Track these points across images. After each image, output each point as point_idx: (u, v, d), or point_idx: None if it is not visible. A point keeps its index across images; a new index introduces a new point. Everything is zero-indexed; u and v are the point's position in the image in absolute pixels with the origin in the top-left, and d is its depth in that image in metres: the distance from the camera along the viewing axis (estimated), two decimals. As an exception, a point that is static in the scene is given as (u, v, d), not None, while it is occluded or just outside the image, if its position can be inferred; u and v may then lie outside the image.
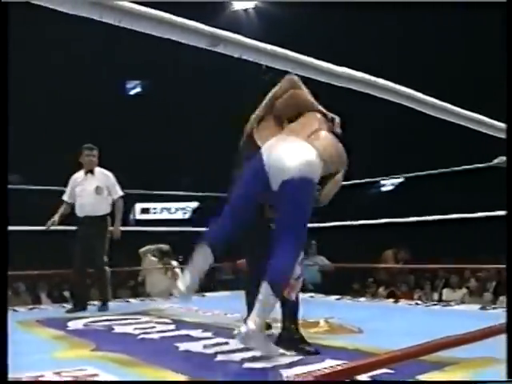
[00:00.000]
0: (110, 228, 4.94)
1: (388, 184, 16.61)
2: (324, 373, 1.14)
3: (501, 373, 2.28)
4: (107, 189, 4.93)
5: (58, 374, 2.32)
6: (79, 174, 5.01)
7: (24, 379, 2.21)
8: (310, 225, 2.87)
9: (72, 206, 4.95)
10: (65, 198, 5.00)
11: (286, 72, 2.72)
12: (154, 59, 13.82)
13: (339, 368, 1.20)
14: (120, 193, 5.02)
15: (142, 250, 7.15)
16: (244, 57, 1.11)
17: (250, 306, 2.71)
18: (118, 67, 14.46)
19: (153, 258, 7.07)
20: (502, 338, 2.05)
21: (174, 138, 15.21)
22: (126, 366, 2.54)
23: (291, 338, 2.86)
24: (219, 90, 14.31)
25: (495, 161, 4.47)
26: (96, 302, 4.98)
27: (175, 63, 13.77)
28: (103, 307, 4.77)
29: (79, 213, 4.89)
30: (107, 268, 4.92)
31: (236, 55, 1.10)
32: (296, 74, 2.81)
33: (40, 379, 2.24)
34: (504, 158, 4.40)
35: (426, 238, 11.06)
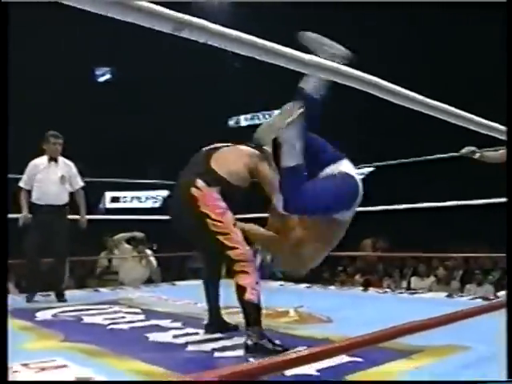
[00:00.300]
0: (72, 217, 4.90)
1: (358, 173, 16.74)
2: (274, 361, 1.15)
3: (465, 359, 2.34)
4: (69, 179, 4.87)
5: (25, 365, 2.30)
6: (41, 161, 4.87)
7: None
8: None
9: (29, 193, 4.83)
10: (22, 184, 4.82)
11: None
12: (125, 46, 13.68)
13: (301, 354, 1.20)
14: (81, 183, 4.97)
15: (117, 237, 7.11)
16: (209, 42, 1.09)
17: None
18: (87, 54, 14.27)
19: (127, 246, 7.04)
20: (467, 325, 2.09)
21: (145, 126, 15.10)
22: (95, 356, 2.52)
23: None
24: (190, 76, 14.22)
25: (462, 151, 4.54)
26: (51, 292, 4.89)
27: (145, 50, 13.63)
28: (61, 297, 4.70)
29: (39, 201, 4.75)
30: (67, 258, 4.92)
31: (201, 41, 1.08)
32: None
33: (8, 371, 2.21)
34: (472, 148, 4.47)
35: (394, 226, 11.19)
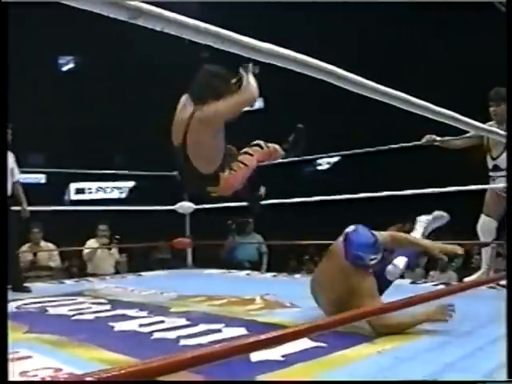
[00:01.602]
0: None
1: (324, 163, 16.86)
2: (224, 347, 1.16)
3: (427, 343, 2.39)
4: (12, 170, 4.80)
5: (-13, 357, 2.26)
6: None
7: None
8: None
9: None
10: None
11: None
12: (88, 34, 13.48)
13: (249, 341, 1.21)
14: (20, 175, 4.92)
15: None
16: (166, 30, 1.10)
17: None
18: (49, 43, 14.03)
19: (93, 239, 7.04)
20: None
21: (109, 115, 14.93)
22: (59, 346, 2.50)
23: None
24: (154, 65, 14.11)
25: (423, 140, 4.62)
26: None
27: (109, 38, 13.46)
28: (23, 288, 4.63)
29: None
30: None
31: (158, 29, 1.09)
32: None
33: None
34: (433, 137, 4.55)
35: (359, 215, 11.31)
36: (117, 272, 6.75)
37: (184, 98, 3.15)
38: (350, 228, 2.86)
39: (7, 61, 1.00)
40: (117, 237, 7.03)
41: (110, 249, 6.90)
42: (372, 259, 2.70)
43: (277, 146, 3.36)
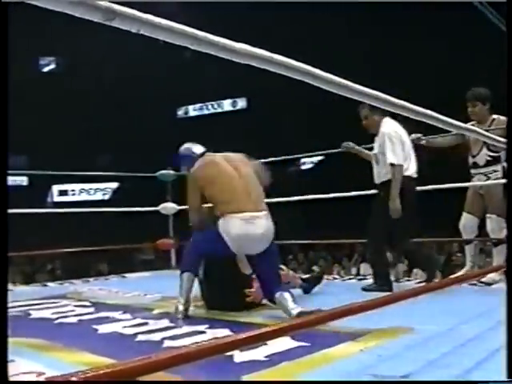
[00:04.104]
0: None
1: (308, 162, 16.89)
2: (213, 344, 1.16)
3: (410, 341, 2.41)
4: None
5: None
6: None
7: None
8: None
9: None
10: None
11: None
12: (70, 34, 13.40)
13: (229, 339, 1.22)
14: None
15: None
16: (141, 32, 1.09)
17: None
18: (30, 44, 13.92)
19: None
20: (410, 308, 2.15)
21: (92, 117, 14.86)
22: (42, 350, 2.49)
23: None
24: (138, 65, 14.04)
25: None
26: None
27: (91, 39, 13.39)
28: None
29: None
30: None
31: (133, 30, 1.08)
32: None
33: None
34: (418, 135, 4.57)
35: (343, 213, 11.36)
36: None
37: None
38: None
39: (7, 61, 0.99)
40: None
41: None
42: None
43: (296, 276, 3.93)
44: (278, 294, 3.06)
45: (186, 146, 3.62)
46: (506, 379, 1.65)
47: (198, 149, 3.54)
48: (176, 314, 3.10)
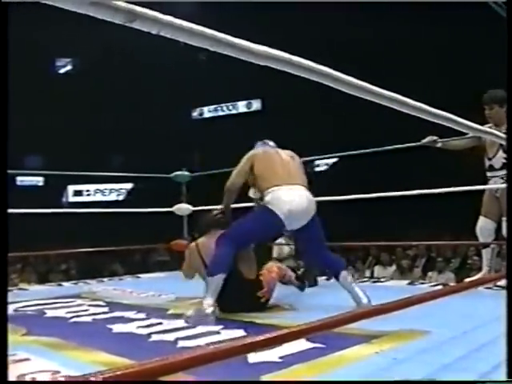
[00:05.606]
0: None
1: (322, 164, 16.85)
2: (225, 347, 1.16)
3: (425, 344, 2.39)
4: None
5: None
6: None
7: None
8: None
9: None
10: None
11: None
12: (86, 36, 13.48)
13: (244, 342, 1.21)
14: None
15: None
16: (161, 33, 1.10)
17: None
18: (47, 45, 14.03)
19: None
20: (426, 311, 2.14)
21: (107, 118, 14.94)
22: (57, 349, 2.50)
23: None
24: (154, 67, 14.09)
25: (424, 140, 4.62)
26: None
27: (106, 40, 13.46)
28: None
29: None
30: None
31: (153, 32, 1.09)
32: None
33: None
34: (434, 138, 4.55)
35: (359, 216, 11.32)
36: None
37: None
38: None
39: (7, 61, 1.00)
40: None
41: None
42: None
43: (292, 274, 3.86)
44: (344, 273, 3.36)
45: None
46: (506, 379, 1.64)
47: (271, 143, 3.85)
48: (201, 315, 3.00)
